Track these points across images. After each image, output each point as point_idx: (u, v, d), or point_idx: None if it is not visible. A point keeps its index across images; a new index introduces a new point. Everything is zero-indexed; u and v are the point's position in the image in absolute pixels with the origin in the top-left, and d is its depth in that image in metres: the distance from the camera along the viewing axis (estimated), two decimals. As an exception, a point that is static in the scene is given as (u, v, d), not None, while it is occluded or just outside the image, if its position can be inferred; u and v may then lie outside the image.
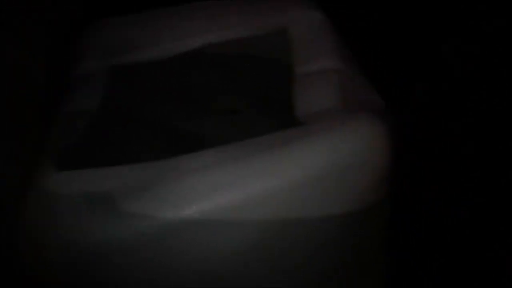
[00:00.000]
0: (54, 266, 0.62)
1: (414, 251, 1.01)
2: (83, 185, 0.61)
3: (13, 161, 0.70)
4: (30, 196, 0.63)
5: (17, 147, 0.71)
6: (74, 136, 0.69)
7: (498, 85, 1.13)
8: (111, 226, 0.58)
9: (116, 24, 0.84)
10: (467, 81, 1.16)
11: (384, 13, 1.24)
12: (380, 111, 0.71)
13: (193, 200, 0.58)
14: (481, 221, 1.03)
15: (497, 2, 1.17)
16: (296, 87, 0.71)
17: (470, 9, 1.19)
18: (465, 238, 1.02)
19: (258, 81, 0.74)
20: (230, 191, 0.59)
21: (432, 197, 1.08)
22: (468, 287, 0.95)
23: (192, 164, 0.61)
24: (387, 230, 0.72)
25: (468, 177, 1.09)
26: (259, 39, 0.77)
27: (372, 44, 1.18)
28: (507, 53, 1.13)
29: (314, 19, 0.78)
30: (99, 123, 0.71)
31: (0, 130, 0.69)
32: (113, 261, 0.60)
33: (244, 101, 0.73)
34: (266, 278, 0.65)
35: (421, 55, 1.19)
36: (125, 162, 0.63)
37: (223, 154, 0.61)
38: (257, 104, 0.72)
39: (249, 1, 0.83)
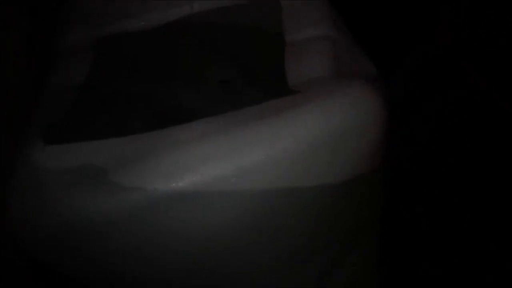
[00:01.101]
0: (45, 242, 0.61)
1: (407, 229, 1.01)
2: (72, 159, 0.60)
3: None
4: (17, 171, 0.62)
5: (1, 122, 0.70)
6: (61, 110, 0.67)
7: (483, 64, 1.12)
8: (102, 199, 0.57)
9: None
10: (462, 48, 1.15)
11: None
12: (373, 78, 0.70)
13: (184, 171, 0.57)
14: (476, 199, 1.04)
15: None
16: (288, 56, 0.69)
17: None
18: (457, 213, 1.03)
19: (249, 50, 0.73)
20: (222, 162, 0.58)
21: (422, 164, 1.09)
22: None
23: (182, 135, 0.60)
24: (383, 198, 0.72)
25: (459, 142, 1.09)
26: (248, 7, 0.76)
27: (364, 10, 1.16)
28: (501, 22, 1.11)
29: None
30: (86, 96, 0.69)
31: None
32: (105, 235, 0.59)
33: (235, 71, 0.71)
34: (261, 249, 0.64)
35: (415, 21, 1.18)
36: (113, 135, 0.62)
37: (214, 125, 0.60)
38: (248, 74, 0.70)
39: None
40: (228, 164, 0.58)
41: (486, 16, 1.10)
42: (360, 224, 0.70)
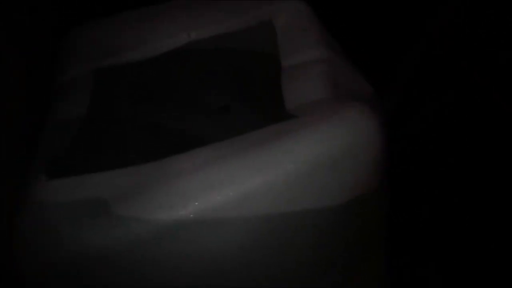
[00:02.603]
0: (51, 275, 0.61)
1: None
2: (75, 192, 0.61)
3: (2, 172, 0.69)
4: (22, 206, 0.62)
5: (6, 158, 0.70)
6: (64, 143, 0.68)
7: (483, 64, 1.13)
8: (106, 231, 0.58)
9: (98, 26, 0.83)
10: (452, 61, 1.15)
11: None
12: (370, 97, 0.70)
13: (187, 200, 0.58)
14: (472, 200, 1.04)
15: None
16: (284, 79, 0.70)
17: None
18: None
19: (246, 75, 0.74)
20: (224, 189, 0.58)
21: (422, 164, 1.09)
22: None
23: (184, 164, 0.61)
24: (385, 219, 0.72)
25: (455, 157, 1.09)
26: (244, 33, 0.77)
27: (356, 30, 1.17)
28: (490, 30, 1.12)
29: (298, 10, 0.78)
30: (88, 128, 0.70)
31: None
32: (110, 266, 0.60)
33: (234, 96, 0.72)
34: (265, 273, 0.65)
35: (401, 36, 1.19)
36: (116, 167, 0.62)
37: (214, 152, 0.61)
38: (246, 99, 0.71)
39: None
40: (230, 191, 0.58)
41: (486, 16, 1.10)
42: (363, 244, 0.70)
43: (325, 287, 0.70)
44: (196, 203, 0.58)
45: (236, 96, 0.71)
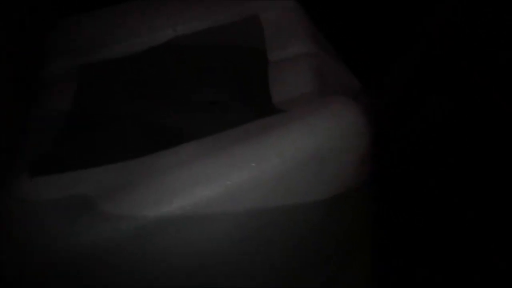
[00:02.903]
0: (37, 274, 0.61)
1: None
2: (60, 190, 0.60)
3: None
4: (4, 204, 0.62)
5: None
6: (47, 139, 0.67)
7: (483, 64, 1.13)
8: (92, 229, 0.57)
9: (84, 21, 0.82)
10: (452, 61, 1.16)
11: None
12: (357, 93, 0.70)
13: (173, 196, 0.57)
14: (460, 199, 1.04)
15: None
16: (272, 74, 0.70)
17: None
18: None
19: (234, 70, 0.73)
20: (210, 184, 0.58)
21: (422, 164, 1.09)
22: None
23: (169, 160, 0.60)
24: (372, 211, 0.72)
25: (455, 157, 1.10)
26: (230, 27, 0.76)
27: (345, 26, 1.17)
28: (490, 30, 1.13)
29: (285, 5, 0.77)
30: (73, 124, 0.70)
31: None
32: (98, 264, 0.59)
33: (221, 91, 0.71)
34: (252, 268, 0.64)
35: (396, 35, 1.19)
36: (102, 163, 0.62)
37: (200, 148, 0.61)
38: (234, 93, 0.71)
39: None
40: (217, 186, 0.58)
41: (486, 15, 1.10)
42: (351, 238, 0.70)
43: (313, 284, 0.70)
44: (182, 199, 0.57)
45: (223, 91, 0.71)
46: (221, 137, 0.61)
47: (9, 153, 0.69)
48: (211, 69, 0.74)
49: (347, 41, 0.83)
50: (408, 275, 0.97)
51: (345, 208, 0.65)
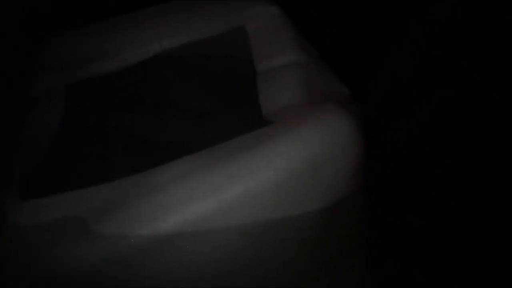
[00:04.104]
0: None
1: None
2: (52, 212, 0.60)
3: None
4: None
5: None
6: (36, 159, 0.66)
7: (476, 65, 1.13)
8: (87, 250, 0.57)
9: (69, 37, 0.81)
10: (445, 59, 1.16)
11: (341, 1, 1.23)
12: (346, 100, 0.70)
13: (167, 213, 0.57)
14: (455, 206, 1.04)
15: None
16: (260, 85, 0.69)
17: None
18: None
19: (222, 81, 0.73)
20: (205, 200, 0.57)
21: (418, 166, 1.09)
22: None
23: (163, 177, 0.60)
24: (367, 219, 0.72)
25: (452, 159, 1.10)
26: (217, 39, 0.76)
27: (330, 34, 1.17)
28: (490, 30, 1.13)
29: (271, 15, 0.77)
30: (62, 142, 0.69)
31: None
32: (94, 285, 0.59)
33: (211, 103, 0.71)
34: (252, 281, 0.64)
35: (382, 41, 1.19)
36: (94, 182, 0.61)
37: (193, 163, 0.60)
38: (224, 105, 0.71)
39: (203, 2, 0.81)
40: (211, 202, 0.58)
41: (486, 15, 1.11)
42: (346, 245, 0.70)
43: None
44: (178, 216, 0.57)
45: (213, 104, 0.71)
46: (214, 151, 0.61)
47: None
48: (199, 82, 0.73)
49: (333, 47, 0.82)
50: (404, 277, 0.97)
51: (341, 216, 0.65)
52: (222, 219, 0.58)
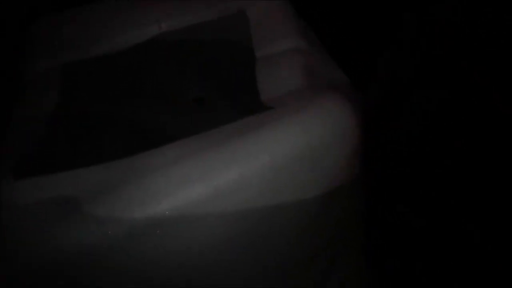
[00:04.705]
0: (25, 278, 0.59)
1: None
2: (45, 192, 0.59)
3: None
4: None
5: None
6: (30, 140, 0.66)
7: (476, 65, 1.13)
8: (78, 232, 0.56)
9: (65, 18, 0.80)
10: (431, 65, 1.16)
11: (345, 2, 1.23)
12: (346, 88, 0.70)
13: (161, 197, 0.56)
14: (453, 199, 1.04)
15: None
16: (259, 70, 0.69)
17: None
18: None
19: (221, 66, 0.72)
20: (199, 184, 0.57)
21: (418, 165, 1.09)
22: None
23: (156, 160, 0.59)
24: (364, 205, 0.71)
25: (452, 159, 1.09)
26: (217, 23, 0.75)
27: (332, 21, 1.17)
28: (484, 30, 1.13)
29: (271, 0, 0.76)
30: (57, 124, 0.68)
31: None
32: (87, 267, 0.58)
33: (209, 88, 0.70)
34: (246, 267, 0.63)
35: (381, 29, 1.19)
36: (87, 164, 0.60)
37: (187, 147, 0.59)
38: (222, 90, 0.70)
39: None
40: (206, 186, 0.57)
41: (486, 15, 1.10)
42: (343, 234, 0.69)
43: (307, 282, 0.69)
44: (171, 200, 0.56)
45: (210, 88, 0.70)
46: (209, 136, 0.60)
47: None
48: (197, 65, 0.73)
49: (335, 36, 0.82)
50: (404, 277, 0.97)
51: (337, 204, 0.64)
52: (216, 205, 0.57)
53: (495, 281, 0.94)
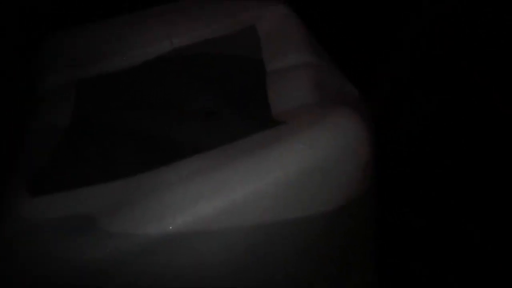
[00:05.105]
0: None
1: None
2: (60, 209, 0.59)
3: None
4: (4, 225, 0.60)
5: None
6: (46, 156, 0.66)
7: (476, 65, 1.14)
8: (95, 248, 0.57)
9: (79, 34, 0.81)
10: (445, 59, 1.16)
11: (345, 3, 1.23)
12: (356, 101, 0.70)
13: (176, 212, 0.57)
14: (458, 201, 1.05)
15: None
16: (270, 84, 0.69)
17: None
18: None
19: (231, 80, 0.73)
20: (213, 200, 0.57)
21: (418, 166, 1.10)
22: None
23: (171, 176, 0.60)
24: (374, 222, 0.72)
25: (452, 159, 1.11)
26: (227, 38, 0.75)
27: (332, 21, 1.17)
28: (484, 30, 1.13)
29: (282, 15, 0.77)
30: (72, 139, 0.68)
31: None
32: (101, 283, 0.59)
33: (220, 102, 0.71)
34: (258, 281, 0.64)
35: (382, 29, 1.19)
36: (102, 179, 0.61)
37: (202, 163, 0.60)
38: (233, 104, 0.70)
39: (214, 0, 0.81)
40: (220, 201, 0.57)
41: (486, 15, 1.11)
42: (353, 249, 0.70)
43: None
44: (186, 215, 0.57)
45: (221, 103, 0.70)
46: (223, 152, 0.61)
47: (7, 168, 0.67)
48: (208, 80, 0.73)
49: (335, 36, 0.82)
50: (405, 277, 0.98)
51: (349, 218, 0.65)
52: (230, 219, 0.58)
53: (495, 281, 0.96)
